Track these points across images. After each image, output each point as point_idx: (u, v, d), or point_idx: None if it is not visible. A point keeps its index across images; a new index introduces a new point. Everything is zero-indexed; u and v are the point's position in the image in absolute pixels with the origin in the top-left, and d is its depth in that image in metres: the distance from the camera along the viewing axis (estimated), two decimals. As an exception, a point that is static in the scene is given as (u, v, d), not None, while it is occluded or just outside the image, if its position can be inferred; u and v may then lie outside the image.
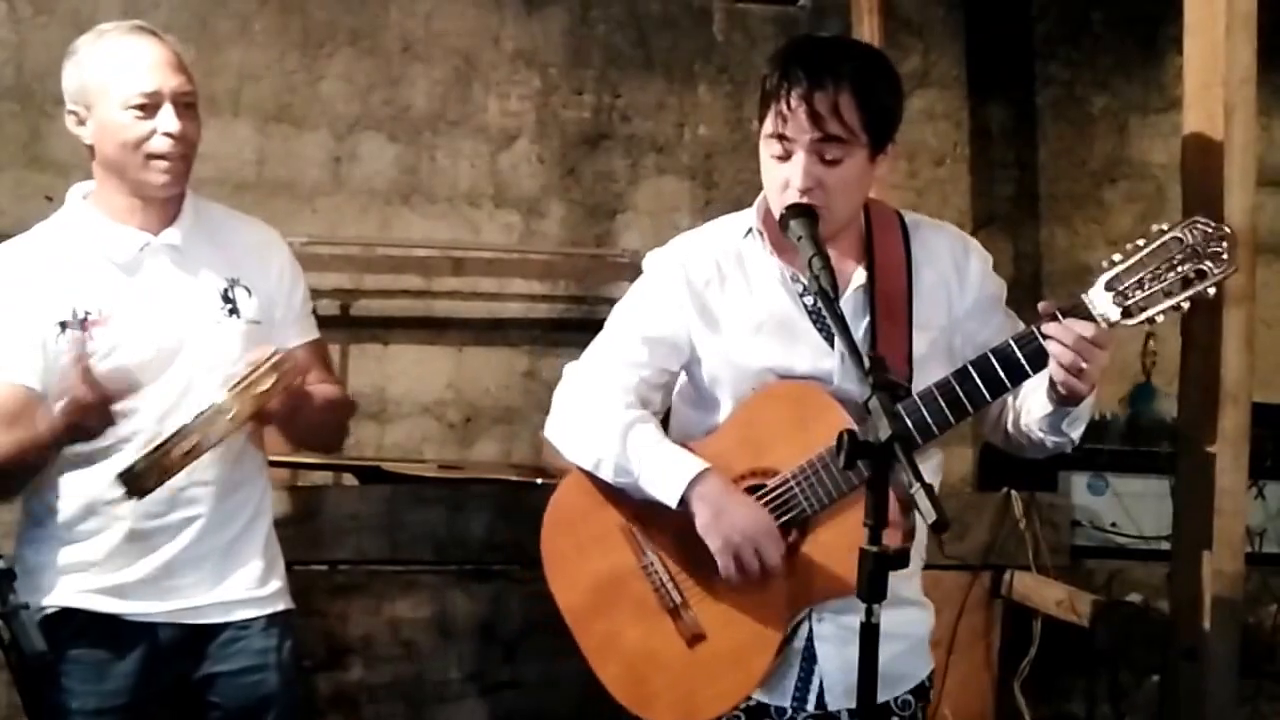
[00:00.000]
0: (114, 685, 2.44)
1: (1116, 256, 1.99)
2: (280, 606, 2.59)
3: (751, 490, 2.16)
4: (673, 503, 2.15)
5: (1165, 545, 3.57)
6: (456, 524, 3.65)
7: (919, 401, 2.08)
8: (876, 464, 1.81)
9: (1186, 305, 2.00)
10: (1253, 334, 2.64)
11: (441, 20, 4.30)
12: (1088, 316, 1.97)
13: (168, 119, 2.38)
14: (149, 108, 2.37)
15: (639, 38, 4.42)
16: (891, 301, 2.17)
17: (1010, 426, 2.21)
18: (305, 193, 4.21)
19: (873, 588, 1.80)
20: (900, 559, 1.83)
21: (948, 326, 2.20)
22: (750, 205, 2.29)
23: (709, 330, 2.24)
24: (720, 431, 2.23)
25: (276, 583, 2.60)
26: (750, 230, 2.24)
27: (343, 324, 4.18)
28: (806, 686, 2.21)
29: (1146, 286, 1.97)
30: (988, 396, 2.05)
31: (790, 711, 2.23)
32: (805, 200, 2.08)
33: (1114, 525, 3.96)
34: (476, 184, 4.34)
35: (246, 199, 3.97)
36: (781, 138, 2.08)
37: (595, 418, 2.26)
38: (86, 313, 2.40)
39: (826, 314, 2.02)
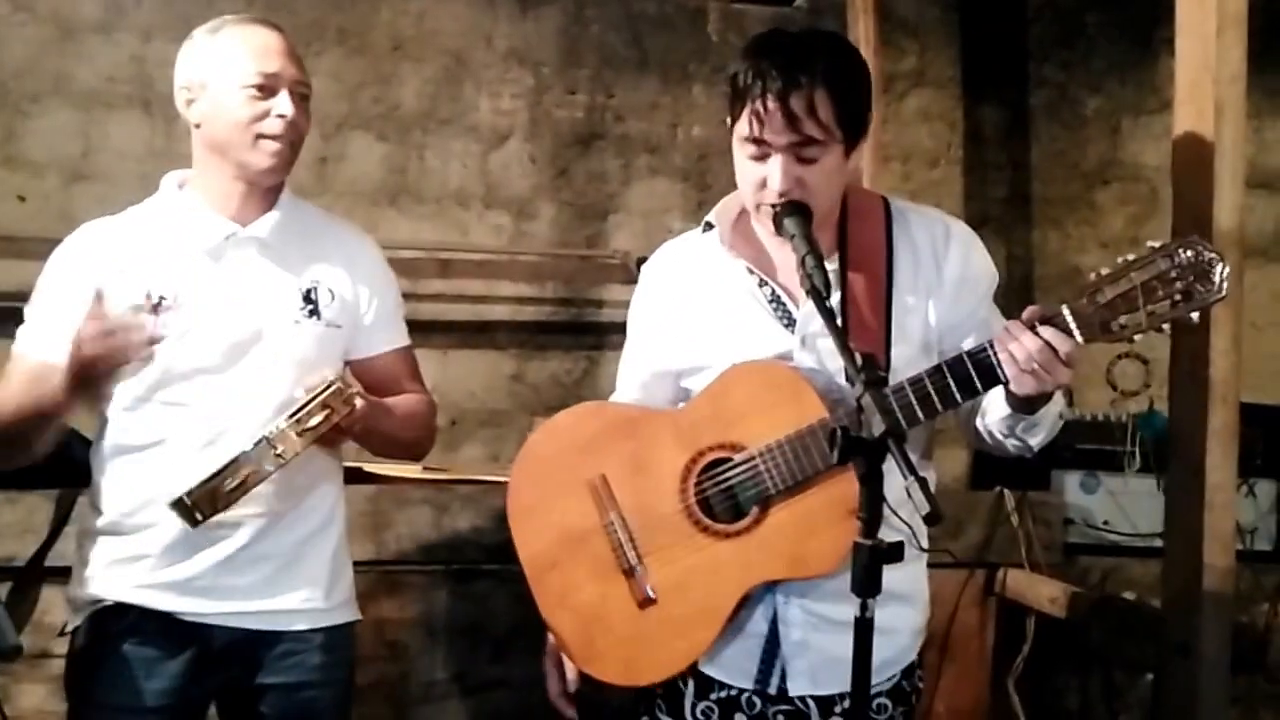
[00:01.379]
0: (162, 685, 2.38)
1: (1104, 270, 1.95)
2: (344, 619, 2.55)
3: (718, 463, 2.17)
4: None
5: (1157, 543, 3.58)
6: (443, 524, 3.64)
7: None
8: (870, 460, 1.81)
9: (1167, 327, 1.94)
10: (1241, 333, 2.65)
11: (433, 19, 4.30)
12: (1064, 329, 1.93)
13: (284, 102, 2.38)
14: (266, 90, 2.37)
15: (633, 38, 4.42)
16: (867, 289, 2.16)
17: (979, 424, 2.20)
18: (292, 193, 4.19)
19: (866, 582, 1.81)
20: (895, 552, 1.82)
21: (926, 312, 2.18)
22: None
23: (678, 331, 2.28)
24: (695, 402, 2.25)
25: (342, 594, 2.54)
26: (709, 226, 2.26)
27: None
28: (769, 670, 2.21)
29: (1130, 304, 1.92)
30: (939, 407, 2.03)
31: (750, 694, 2.23)
32: (793, 199, 2.08)
33: (1106, 523, 3.97)
34: (466, 184, 4.33)
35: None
36: (758, 140, 2.07)
37: None
38: (161, 297, 2.37)
39: (818, 311, 2.00)
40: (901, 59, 4.48)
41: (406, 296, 4.17)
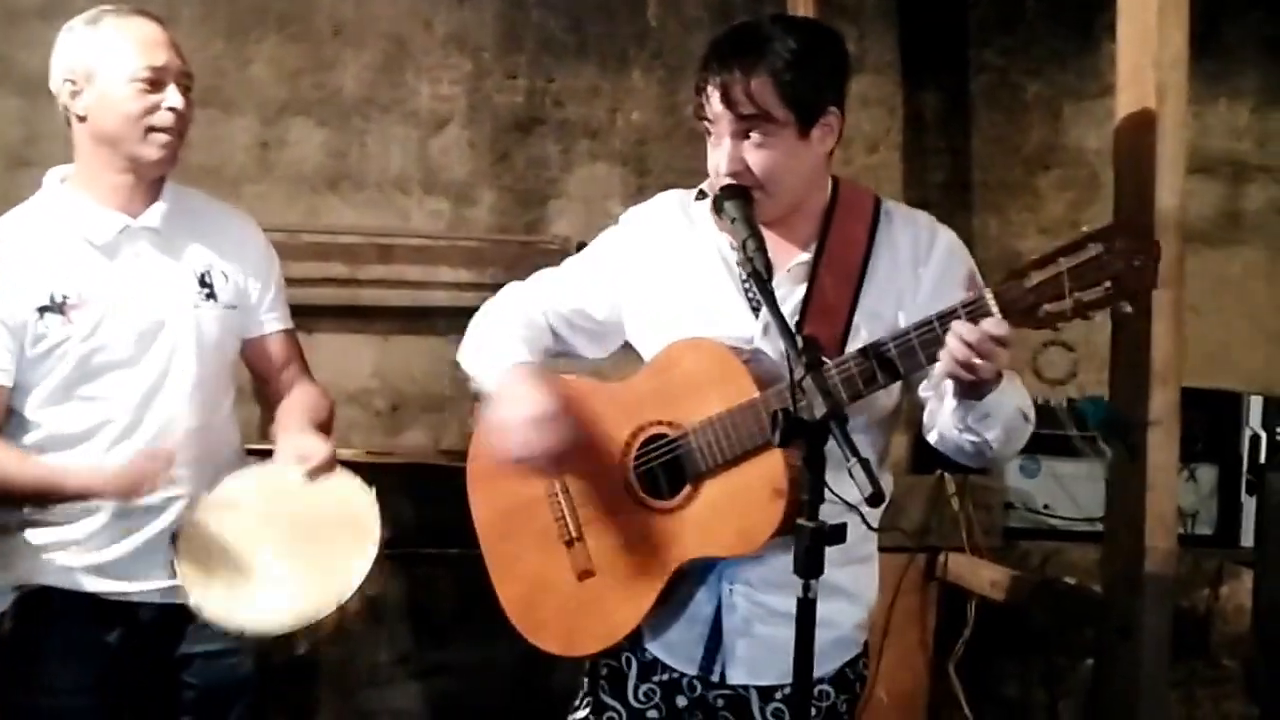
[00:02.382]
0: (93, 665, 2.45)
1: (1035, 256, 1.90)
2: None
3: (655, 438, 2.17)
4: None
5: (1097, 527, 3.61)
6: (386, 508, 3.62)
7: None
8: (812, 441, 1.82)
9: (1096, 316, 1.87)
10: (1182, 317, 2.66)
11: (373, 4, 4.25)
12: (987, 314, 1.89)
13: (174, 95, 2.43)
14: (155, 83, 2.42)
15: (573, 22, 4.39)
16: (836, 285, 2.16)
17: (937, 426, 2.17)
18: (231, 178, 4.14)
19: (808, 562, 1.81)
20: (837, 534, 1.82)
21: (895, 315, 2.16)
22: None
23: (645, 287, 2.27)
24: (638, 376, 2.24)
25: None
26: (702, 193, 2.25)
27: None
28: (713, 657, 2.22)
29: (1057, 291, 1.84)
30: (861, 389, 2.01)
31: (692, 678, 2.24)
32: (741, 184, 2.09)
33: (1046, 507, 3.99)
34: (406, 170, 4.30)
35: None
36: (708, 123, 2.11)
37: (487, 337, 2.32)
38: (65, 296, 2.42)
39: (760, 293, 2.01)
40: (841, 44, 4.47)
41: (347, 282, 4.24)
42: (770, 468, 2.05)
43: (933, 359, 1.94)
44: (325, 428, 2.61)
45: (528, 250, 4.35)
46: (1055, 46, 4.69)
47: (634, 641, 2.27)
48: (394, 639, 3.71)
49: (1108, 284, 1.82)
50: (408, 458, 3.86)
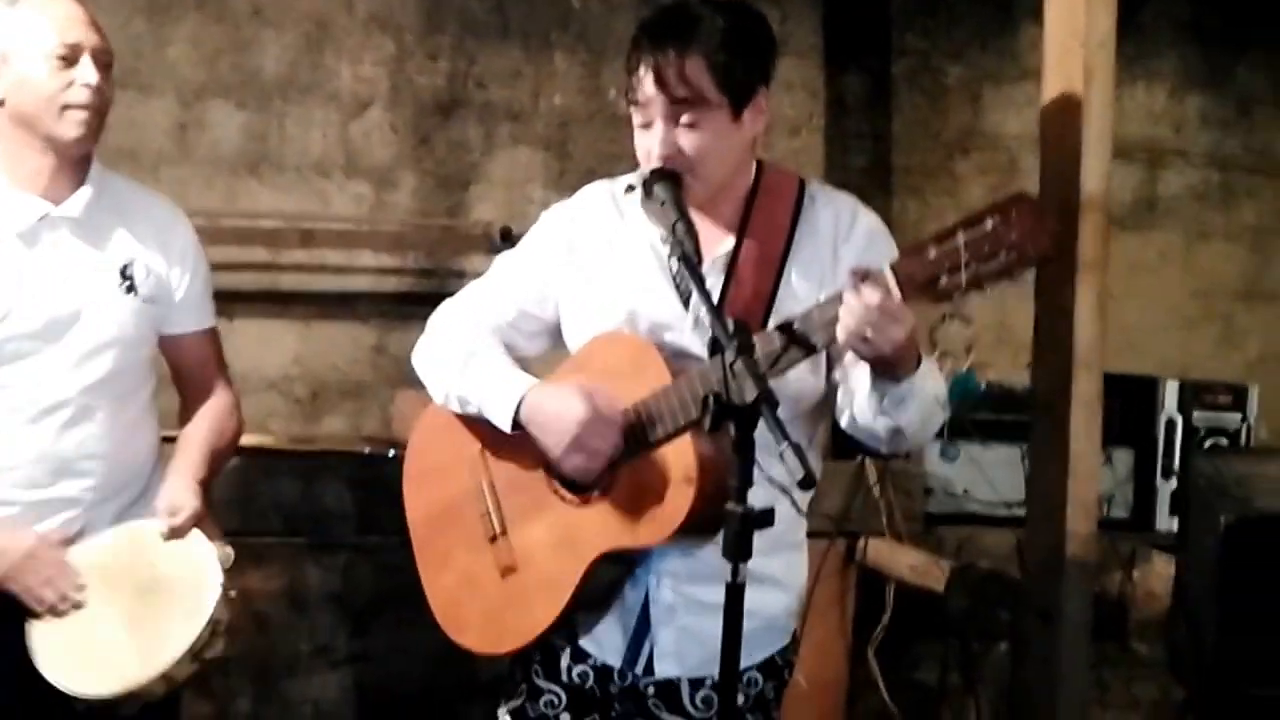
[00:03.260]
0: (8, 660, 2.38)
1: (934, 231, 1.91)
2: None
3: None
4: (507, 427, 2.16)
5: (1016, 511, 3.64)
6: (308, 496, 3.60)
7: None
8: (742, 426, 1.82)
9: (991, 288, 1.88)
10: (1105, 301, 2.69)
11: (293, -17, 4.18)
12: (885, 286, 1.89)
13: (87, 70, 2.38)
14: (69, 60, 2.38)
15: (495, 4, 4.33)
16: (759, 269, 2.15)
17: (851, 410, 2.15)
18: (149, 161, 4.05)
19: (737, 546, 1.82)
20: (765, 518, 1.83)
21: (815, 297, 2.12)
22: (604, 177, 2.31)
23: (577, 281, 2.25)
24: (558, 372, 2.23)
25: None
26: (631, 187, 2.23)
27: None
28: (638, 648, 2.21)
29: (955, 263, 1.86)
30: (792, 355, 2.00)
31: (618, 672, 2.23)
32: (673, 167, 2.08)
33: (966, 492, 4.03)
34: (327, 153, 4.22)
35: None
36: (639, 107, 2.10)
37: (444, 351, 2.29)
38: None
39: (690, 278, 2.01)
40: (762, 26, 4.46)
41: (267, 267, 4.16)
42: (681, 455, 2.04)
43: (834, 338, 1.95)
44: (224, 455, 2.61)
45: (450, 235, 4.31)
46: (976, 29, 4.72)
47: (568, 634, 2.24)
48: (314, 628, 3.67)
49: (1004, 256, 1.84)
50: (328, 445, 3.81)
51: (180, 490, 2.46)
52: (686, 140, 2.07)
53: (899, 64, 4.66)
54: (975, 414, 4.03)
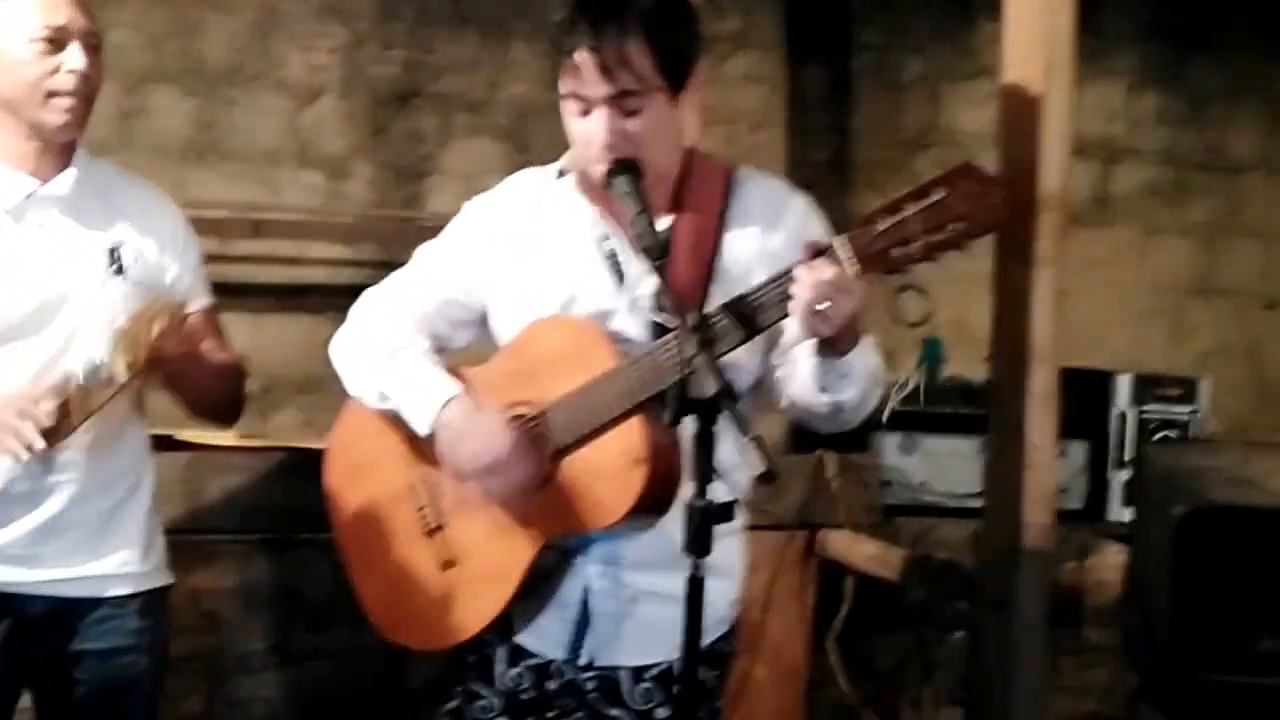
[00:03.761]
0: None
1: (882, 204, 1.93)
2: (158, 583, 2.51)
3: (514, 420, 2.12)
4: (424, 431, 2.13)
5: (972, 503, 3.67)
6: (259, 492, 3.56)
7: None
8: (703, 420, 1.81)
9: (942, 258, 1.92)
10: (1061, 297, 2.70)
11: (241, -34, 4.14)
12: (837, 260, 1.91)
13: (74, 56, 2.29)
14: (55, 43, 2.29)
15: (452, -9, 4.32)
16: (695, 251, 2.14)
17: (790, 390, 2.16)
18: (92, 149, 3.85)
19: (696, 542, 1.82)
20: (725, 512, 1.84)
21: (751, 279, 2.11)
22: None
23: (507, 268, 2.21)
24: (494, 360, 2.21)
25: (157, 557, 2.51)
26: (562, 173, 2.21)
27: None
28: (580, 639, 2.18)
29: (906, 235, 1.89)
30: (738, 335, 2.01)
31: (560, 663, 2.20)
32: (620, 155, 2.05)
33: (923, 484, 4.05)
34: (278, 142, 4.19)
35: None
36: (577, 95, 2.04)
37: (368, 343, 2.25)
38: None
39: (654, 270, 1.99)
40: (724, 20, 4.47)
41: (216, 258, 4.08)
42: (629, 438, 2.02)
43: (785, 314, 1.96)
44: (220, 369, 2.48)
45: (405, 227, 4.25)
46: (935, 26, 4.74)
47: (503, 635, 2.22)
48: (266, 627, 3.63)
49: (953, 227, 1.87)
50: (280, 440, 3.76)
51: None
52: (629, 126, 2.03)
53: (859, 59, 4.68)
54: (934, 407, 4.06)
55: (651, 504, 2.02)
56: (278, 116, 4.18)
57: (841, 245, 1.91)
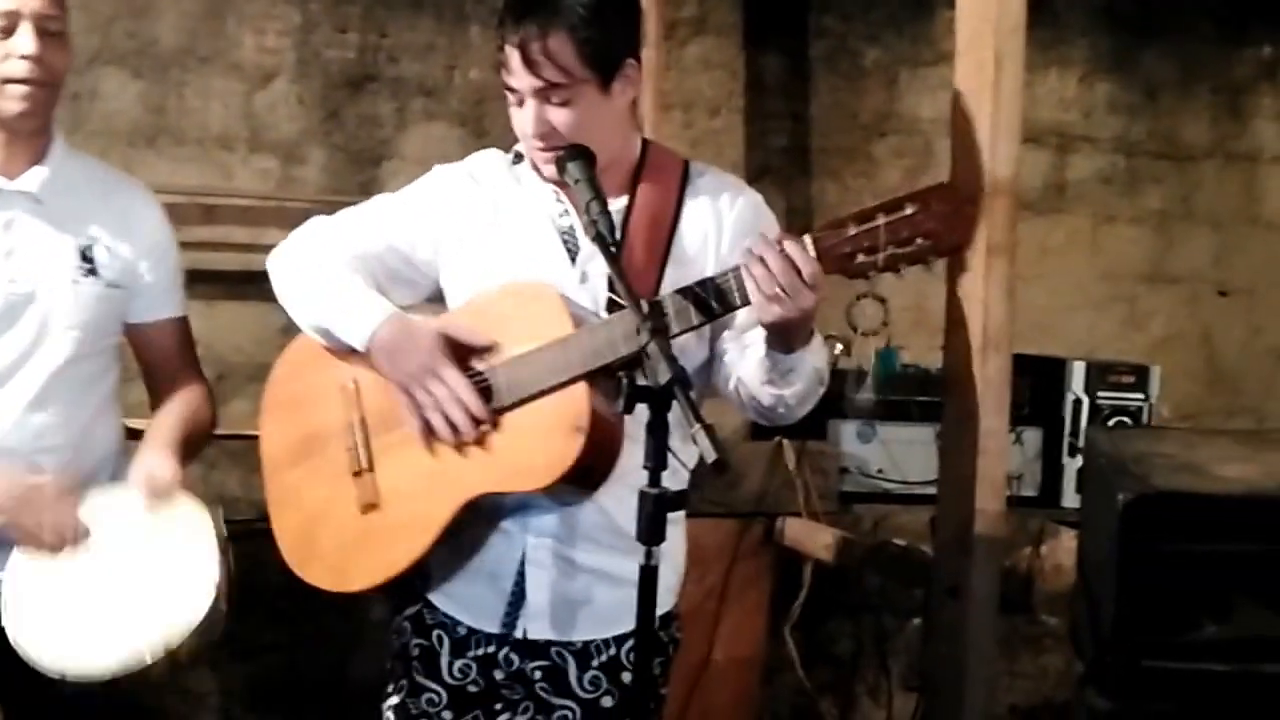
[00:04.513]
0: None
1: (855, 210, 1.99)
2: None
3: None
4: (360, 344, 2.13)
5: (929, 490, 3.68)
6: (212, 481, 3.53)
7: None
8: (656, 407, 1.83)
9: (905, 271, 1.99)
10: (1014, 283, 2.72)
11: (192, -55, 4.08)
12: (804, 252, 1.95)
13: (25, 40, 2.23)
14: (6, 29, 2.23)
15: (407, -26, 4.29)
16: (650, 236, 2.16)
17: (736, 375, 2.18)
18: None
19: (651, 530, 1.83)
20: (679, 500, 1.86)
21: (704, 267, 2.17)
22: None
23: (464, 239, 2.22)
24: (458, 313, 2.20)
25: None
26: (518, 156, 2.23)
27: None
28: (516, 612, 2.19)
29: (873, 243, 1.95)
30: (694, 319, 2.03)
31: (507, 651, 2.20)
32: (549, 145, 2.10)
33: (880, 472, 4.07)
34: (230, 126, 4.15)
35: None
36: (509, 87, 2.10)
37: (308, 258, 2.24)
38: None
39: (604, 258, 2.01)
40: (683, 5, 4.46)
41: (168, 244, 4.06)
42: (573, 404, 2.02)
43: (745, 300, 1.99)
44: (198, 442, 2.48)
45: (360, 212, 4.25)
46: (892, 13, 4.75)
47: (432, 608, 2.23)
48: (223, 616, 3.61)
49: (920, 242, 1.95)
50: (233, 429, 3.72)
51: (157, 460, 2.32)
52: (558, 118, 2.08)
53: (817, 46, 4.68)
54: (891, 395, 4.07)
55: (584, 475, 2.02)
56: (229, 100, 4.14)
57: (807, 242, 1.95)
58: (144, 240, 2.45)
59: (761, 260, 1.93)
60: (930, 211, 1.93)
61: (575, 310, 2.09)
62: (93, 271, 2.37)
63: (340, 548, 2.18)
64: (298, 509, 2.23)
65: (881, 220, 1.93)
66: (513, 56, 2.06)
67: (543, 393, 2.05)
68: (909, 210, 1.93)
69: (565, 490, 2.06)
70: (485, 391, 2.09)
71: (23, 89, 2.25)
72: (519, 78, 2.06)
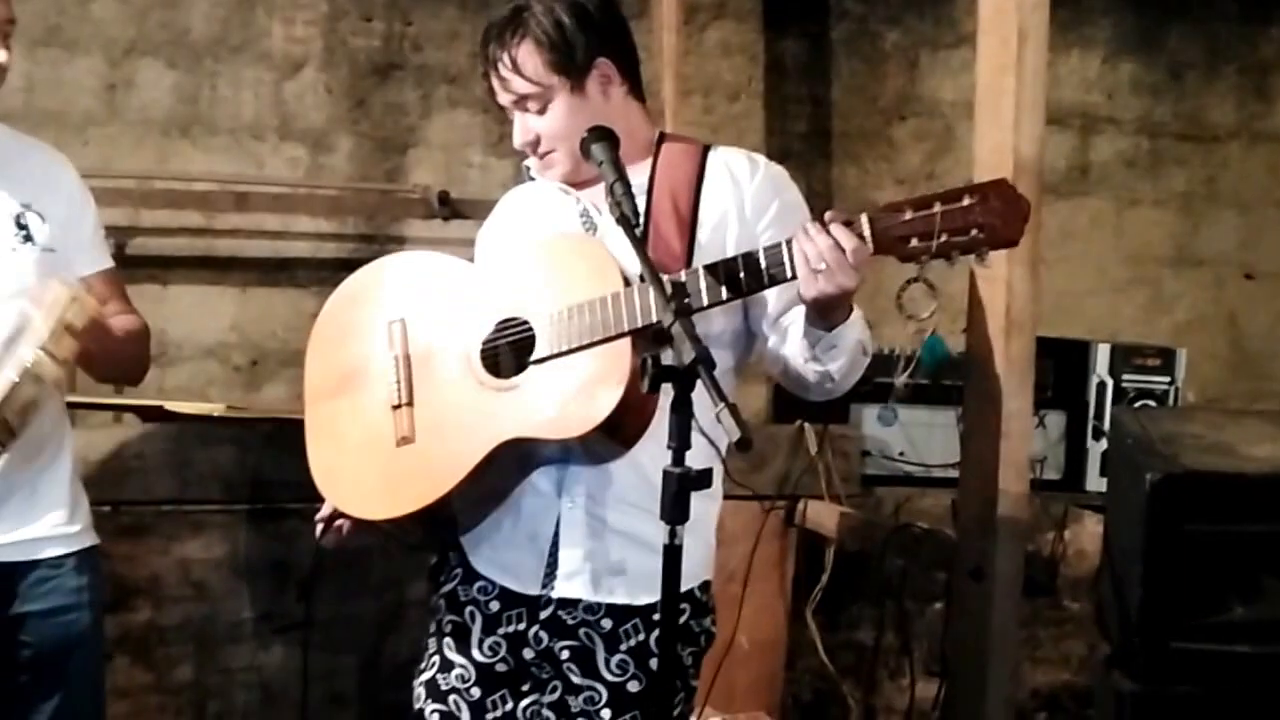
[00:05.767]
0: None
1: (912, 197, 2.01)
2: (89, 543, 2.53)
3: (510, 320, 2.17)
4: None
5: (951, 473, 3.69)
6: (247, 463, 3.58)
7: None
8: (680, 387, 1.84)
9: (956, 261, 2.00)
10: (1038, 266, 2.73)
11: (222, -62, 4.11)
12: (859, 234, 1.97)
13: None
14: None
15: (431, -36, 4.30)
16: (674, 215, 2.20)
17: (781, 359, 2.21)
18: (77, 123, 3.99)
19: (675, 509, 1.84)
20: (703, 479, 1.85)
21: (728, 241, 2.20)
22: None
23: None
24: (511, 262, 2.25)
25: (84, 518, 2.54)
26: (527, 168, 2.36)
27: (118, 263, 3.93)
28: (553, 573, 2.21)
29: (928, 229, 1.97)
30: (724, 295, 2.06)
31: (537, 629, 2.23)
32: (535, 152, 2.25)
33: (902, 454, 4.07)
34: (260, 115, 4.17)
35: (12, 130, 3.74)
36: (501, 106, 2.27)
37: None
38: None
39: (628, 239, 2.02)
40: (703, -11, 4.46)
41: (202, 232, 4.11)
42: (615, 359, 2.04)
43: (775, 280, 2.02)
44: (126, 338, 2.48)
45: (388, 199, 4.27)
46: (913, -6, 4.73)
47: (469, 575, 2.26)
48: (255, 596, 3.65)
49: (973, 233, 1.96)
50: (268, 413, 3.77)
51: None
52: (539, 124, 2.22)
53: (837, 29, 4.65)
54: (914, 378, 4.07)
55: (619, 430, 2.04)
56: (260, 89, 4.16)
57: (866, 221, 1.98)
58: (65, 199, 2.49)
59: (814, 240, 1.96)
60: (988, 205, 1.95)
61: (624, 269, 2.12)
62: (29, 239, 2.41)
63: (370, 477, 2.21)
64: (333, 437, 2.26)
65: (938, 209, 1.96)
66: (492, 77, 2.22)
67: (585, 346, 2.07)
68: (966, 201, 1.95)
69: (600, 443, 2.08)
70: (529, 340, 2.13)
71: None
72: (500, 95, 2.23)
